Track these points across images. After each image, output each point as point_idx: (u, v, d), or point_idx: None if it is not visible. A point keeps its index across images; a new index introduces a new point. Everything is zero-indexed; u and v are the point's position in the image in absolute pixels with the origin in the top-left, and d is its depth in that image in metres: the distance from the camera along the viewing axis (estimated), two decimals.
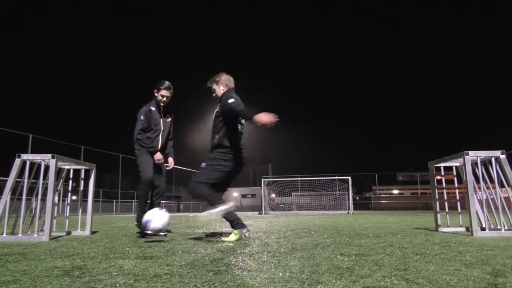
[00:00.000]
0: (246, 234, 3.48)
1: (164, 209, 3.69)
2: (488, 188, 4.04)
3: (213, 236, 3.97)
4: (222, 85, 3.65)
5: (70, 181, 4.58)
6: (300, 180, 24.65)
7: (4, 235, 3.55)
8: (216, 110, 3.65)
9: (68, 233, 4.29)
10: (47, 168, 3.81)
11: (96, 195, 18.03)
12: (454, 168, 4.72)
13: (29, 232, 3.89)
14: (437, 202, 4.77)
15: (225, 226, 5.90)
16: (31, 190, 3.92)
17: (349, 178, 20.38)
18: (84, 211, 4.45)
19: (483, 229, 3.93)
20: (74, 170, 4.54)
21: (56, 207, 4.23)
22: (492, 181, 3.93)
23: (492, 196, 4.08)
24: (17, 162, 3.69)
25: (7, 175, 3.74)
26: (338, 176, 23.05)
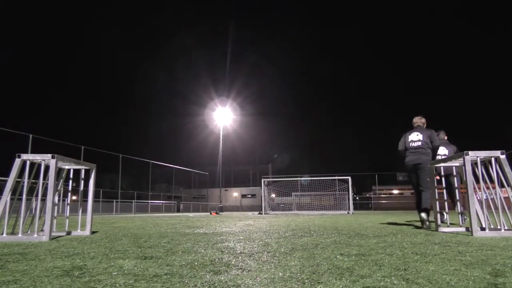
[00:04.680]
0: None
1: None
2: (488, 188, 4.04)
3: (213, 236, 3.97)
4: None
5: (70, 181, 4.58)
6: (300, 180, 24.67)
7: (4, 235, 3.55)
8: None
9: (68, 233, 4.29)
10: (47, 168, 3.81)
11: (96, 195, 18.04)
12: (454, 168, 4.71)
13: (29, 232, 3.89)
14: (437, 202, 4.77)
15: (225, 226, 5.91)
16: (31, 190, 3.92)
17: (349, 178, 20.37)
18: (84, 211, 4.45)
19: (483, 229, 3.93)
20: (74, 170, 4.54)
21: (56, 207, 4.23)
22: (492, 181, 3.93)
23: (492, 196, 4.08)
24: (17, 162, 3.69)
25: (7, 175, 3.74)
26: (338, 176, 23.05)
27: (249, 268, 1.89)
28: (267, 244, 3.04)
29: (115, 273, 1.79)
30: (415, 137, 5.62)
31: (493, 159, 3.90)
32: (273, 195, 24.40)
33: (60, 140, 20.22)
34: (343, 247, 2.80)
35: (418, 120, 5.85)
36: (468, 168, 3.85)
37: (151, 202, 30.34)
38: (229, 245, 2.98)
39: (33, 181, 3.83)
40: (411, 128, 5.88)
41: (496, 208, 3.88)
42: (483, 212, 4.09)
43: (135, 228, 5.66)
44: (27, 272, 1.83)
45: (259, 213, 18.87)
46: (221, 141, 33.63)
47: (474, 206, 3.85)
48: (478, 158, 3.96)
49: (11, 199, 3.64)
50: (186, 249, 2.71)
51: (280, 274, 1.73)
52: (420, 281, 1.54)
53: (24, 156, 3.75)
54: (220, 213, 22.08)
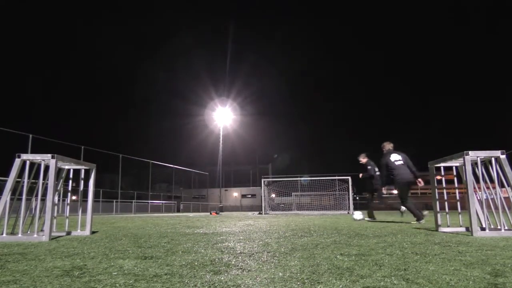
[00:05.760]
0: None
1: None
2: (488, 188, 4.04)
3: (213, 236, 3.97)
4: (384, 150, 7.32)
5: (70, 181, 4.58)
6: (300, 180, 24.66)
7: (4, 235, 3.55)
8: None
9: (68, 233, 4.29)
10: (47, 168, 3.81)
11: (96, 195, 18.04)
12: (454, 168, 4.72)
13: (29, 232, 3.89)
14: (437, 202, 4.77)
15: (225, 226, 5.91)
16: (31, 190, 3.92)
17: (349, 178, 20.36)
18: (84, 211, 4.45)
19: (483, 229, 3.93)
20: (74, 170, 4.54)
21: (56, 207, 4.23)
22: (492, 181, 3.93)
23: (492, 196, 4.08)
24: (17, 162, 3.69)
25: (7, 175, 3.74)
26: (338, 176, 23.03)
27: (249, 268, 1.89)
28: (267, 244, 3.04)
29: (115, 273, 1.79)
30: (397, 157, 7.02)
31: (493, 159, 3.90)
32: (273, 195, 24.39)
33: (60, 140, 20.25)
34: (343, 247, 2.80)
35: (389, 145, 7.28)
36: (468, 168, 3.85)
37: (151, 202, 30.35)
38: (229, 245, 2.98)
39: (33, 181, 3.83)
40: (381, 151, 7.30)
41: (496, 208, 3.88)
42: (483, 212, 4.09)
43: (135, 228, 5.66)
44: (27, 272, 1.83)
45: (259, 213, 18.87)
46: (221, 141, 33.64)
47: (474, 206, 3.85)
48: (478, 158, 3.96)
49: (11, 199, 3.64)
50: (186, 249, 2.71)
51: (280, 274, 1.73)
52: (420, 281, 1.54)
53: (24, 156, 3.75)
54: (220, 213, 22.08)
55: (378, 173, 8.47)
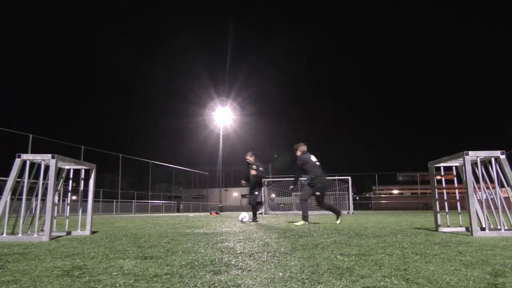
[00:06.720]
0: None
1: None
2: (488, 188, 4.04)
3: (213, 236, 3.97)
4: (299, 150, 7.06)
5: (70, 181, 4.58)
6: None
7: (4, 235, 3.55)
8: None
9: (68, 233, 4.29)
10: (47, 168, 3.81)
11: (96, 195, 18.01)
12: (454, 168, 4.72)
13: (29, 232, 3.89)
14: (437, 202, 4.77)
15: (225, 226, 5.91)
16: (31, 190, 3.92)
17: (349, 178, 20.34)
18: (84, 211, 4.45)
19: (483, 229, 3.93)
20: (74, 170, 4.54)
21: (56, 207, 4.23)
22: (492, 181, 3.93)
23: (492, 196, 4.08)
24: (17, 162, 3.69)
25: (7, 175, 3.74)
26: (338, 176, 23.00)
27: (249, 268, 1.89)
28: (267, 244, 3.04)
29: (115, 273, 1.79)
30: (315, 158, 6.93)
31: (493, 159, 3.90)
32: (273, 195, 24.37)
33: (60, 140, 20.21)
34: (343, 247, 2.80)
35: (303, 146, 7.09)
36: (468, 168, 3.85)
37: (151, 202, 30.33)
38: (229, 245, 2.98)
39: (33, 181, 3.83)
40: (296, 151, 7.12)
41: (496, 208, 3.88)
42: (483, 212, 4.09)
43: (135, 228, 5.66)
44: (27, 272, 1.83)
45: (259, 213, 18.87)
46: (221, 141, 33.60)
47: (474, 206, 3.85)
48: (478, 158, 3.96)
49: (11, 199, 3.64)
50: (186, 249, 2.71)
51: (280, 274, 1.73)
52: (420, 281, 1.54)
53: (24, 156, 3.75)
54: (220, 213, 22.07)
55: (261, 169, 8.51)
